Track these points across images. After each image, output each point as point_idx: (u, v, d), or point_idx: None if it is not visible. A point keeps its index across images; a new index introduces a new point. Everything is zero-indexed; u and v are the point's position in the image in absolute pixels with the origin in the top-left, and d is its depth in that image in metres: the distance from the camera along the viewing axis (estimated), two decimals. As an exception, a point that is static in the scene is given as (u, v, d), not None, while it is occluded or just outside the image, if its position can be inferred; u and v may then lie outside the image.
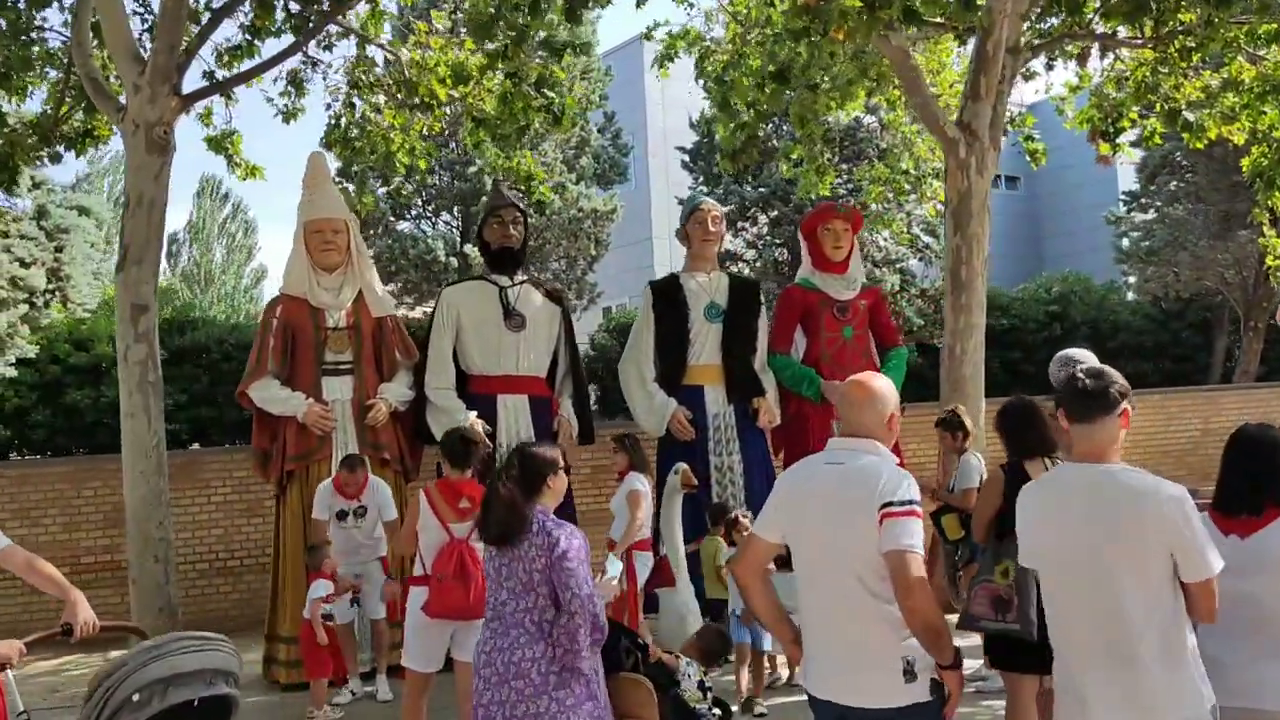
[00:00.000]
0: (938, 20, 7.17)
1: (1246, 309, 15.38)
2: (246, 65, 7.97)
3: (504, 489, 3.24)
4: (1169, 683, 2.63)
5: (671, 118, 21.16)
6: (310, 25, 7.59)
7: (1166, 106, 8.69)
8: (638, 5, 7.86)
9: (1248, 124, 9.31)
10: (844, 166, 16.73)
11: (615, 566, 3.42)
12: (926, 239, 17.69)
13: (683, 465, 6.48)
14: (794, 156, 10.26)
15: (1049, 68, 9.16)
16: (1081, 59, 8.71)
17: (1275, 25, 8.19)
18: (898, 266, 17.01)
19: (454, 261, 15.26)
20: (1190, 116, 8.70)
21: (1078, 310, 19.51)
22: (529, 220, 7.44)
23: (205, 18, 7.14)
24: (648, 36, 9.46)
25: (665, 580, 6.19)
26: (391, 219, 16.26)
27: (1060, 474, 2.95)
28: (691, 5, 9.28)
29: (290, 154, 60.46)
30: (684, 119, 18.85)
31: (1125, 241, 18.63)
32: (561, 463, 3.36)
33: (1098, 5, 8.03)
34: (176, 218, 47.04)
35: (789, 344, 7.50)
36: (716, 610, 6.07)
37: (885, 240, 17.02)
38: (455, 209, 16.33)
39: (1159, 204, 17.42)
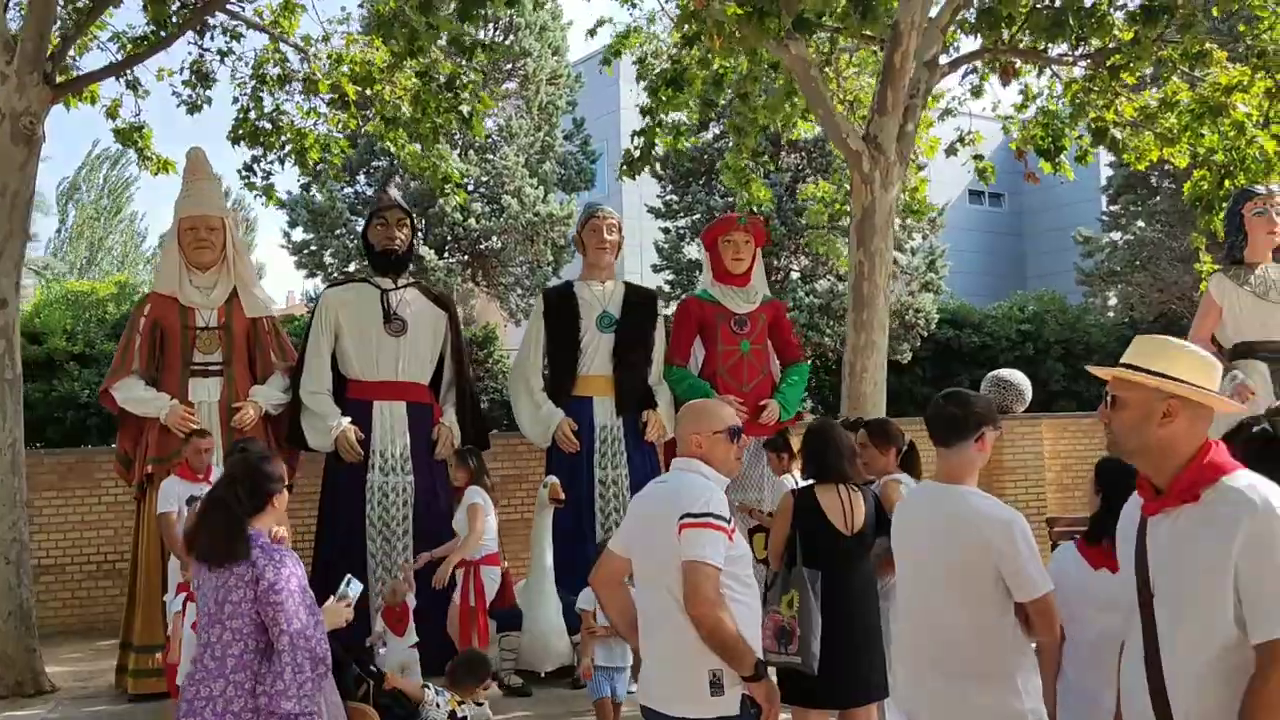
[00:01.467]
0: (835, 28, 6.98)
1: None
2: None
3: (225, 499, 3.06)
4: (984, 703, 2.74)
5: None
6: (194, 13, 7.43)
7: (1093, 126, 8.48)
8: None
9: (1187, 146, 9.09)
10: (817, 180, 16.57)
11: (352, 587, 3.24)
12: (894, 253, 17.50)
13: (552, 479, 6.31)
14: (730, 166, 10.07)
15: (1003, 83, 8.92)
16: (1004, 76, 8.50)
17: (1199, 45, 8.00)
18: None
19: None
20: (1118, 135, 8.49)
21: (1051, 330, 19.29)
22: (415, 223, 7.28)
23: (86, 5, 6.99)
24: (591, 33, 9.30)
25: (507, 599, 6.02)
26: (351, 217, 16.14)
27: (917, 493, 3.08)
28: (635, 5, 9.13)
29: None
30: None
31: (1089, 263, 18.40)
32: (286, 479, 3.18)
33: (1021, 21, 7.83)
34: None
35: (686, 356, 7.32)
36: None
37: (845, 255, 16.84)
38: (414, 211, 16.19)
39: (1124, 224, 17.19)
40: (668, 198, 17.67)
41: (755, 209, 10.85)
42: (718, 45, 5.81)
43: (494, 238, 16.03)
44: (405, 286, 6.92)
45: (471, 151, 16.02)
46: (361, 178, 16.42)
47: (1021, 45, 8.26)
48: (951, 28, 7.92)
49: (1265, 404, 6.91)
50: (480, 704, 5.48)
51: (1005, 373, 9.70)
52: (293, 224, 16.39)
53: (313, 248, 16.08)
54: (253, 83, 8.31)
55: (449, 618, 5.97)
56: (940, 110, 10.16)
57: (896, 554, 3.06)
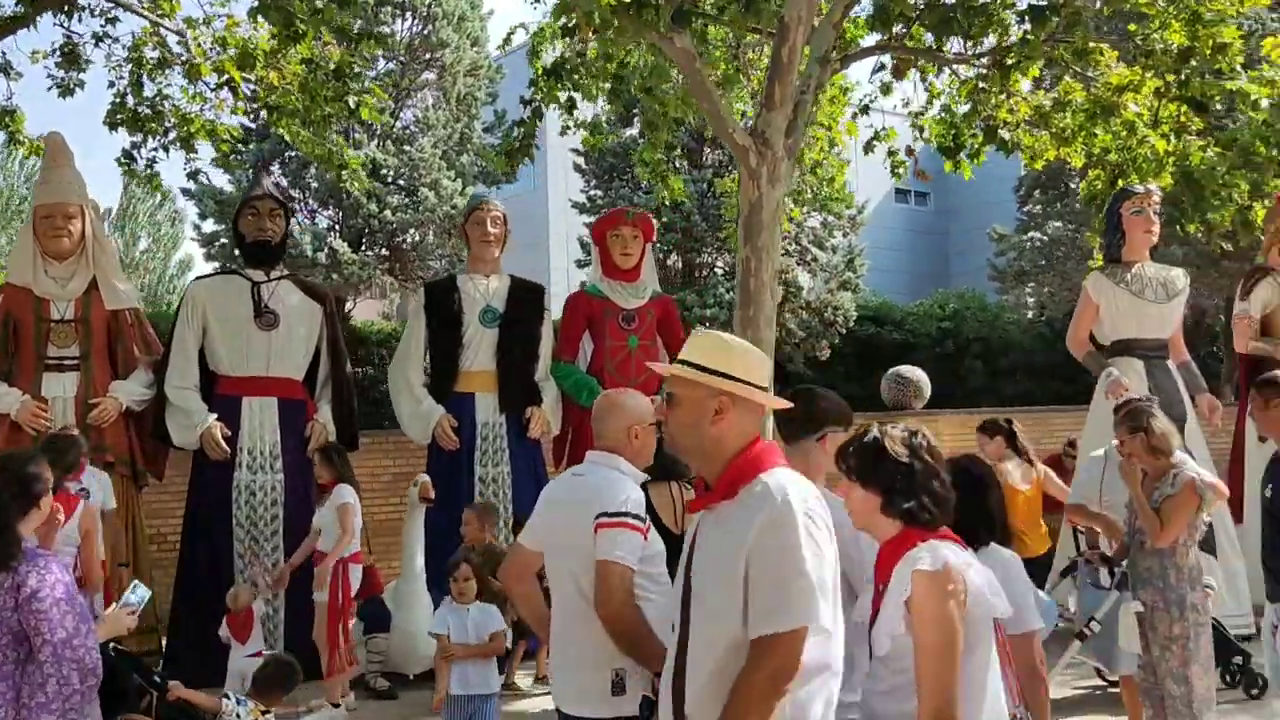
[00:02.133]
0: (713, 19, 6.90)
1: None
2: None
3: None
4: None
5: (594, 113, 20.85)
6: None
7: (985, 125, 8.53)
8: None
9: (1082, 146, 9.20)
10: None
11: (138, 594, 3.08)
12: (815, 250, 17.56)
13: (422, 477, 6.18)
14: (647, 161, 9.99)
15: (896, 79, 8.91)
16: (897, 72, 8.52)
17: (1086, 43, 8.08)
18: (783, 278, 16.81)
19: (320, 257, 14.80)
20: (1006, 135, 8.55)
21: (970, 327, 19.55)
22: (290, 213, 7.07)
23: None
24: (506, 41, 9.12)
25: (374, 588, 5.89)
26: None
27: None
28: (538, 2, 8.97)
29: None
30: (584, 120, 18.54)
31: (1001, 261, 18.67)
32: (52, 481, 3.01)
33: (912, 18, 7.84)
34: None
35: (574, 351, 7.22)
36: None
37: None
38: (330, 204, 15.90)
39: (1040, 224, 17.46)
40: (591, 192, 17.56)
41: (672, 204, 10.80)
42: (588, 34, 5.69)
43: (411, 230, 15.78)
44: (279, 279, 6.71)
45: (389, 142, 15.75)
46: (276, 168, 16.05)
47: (911, 43, 8.29)
48: (847, 24, 7.91)
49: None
50: (337, 705, 5.35)
51: (905, 369, 9.75)
52: (203, 215, 15.99)
53: (223, 240, 15.69)
54: (130, 66, 8.02)
55: (316, 619, 5.80)
56: (855, 108, 10.17)
57: None
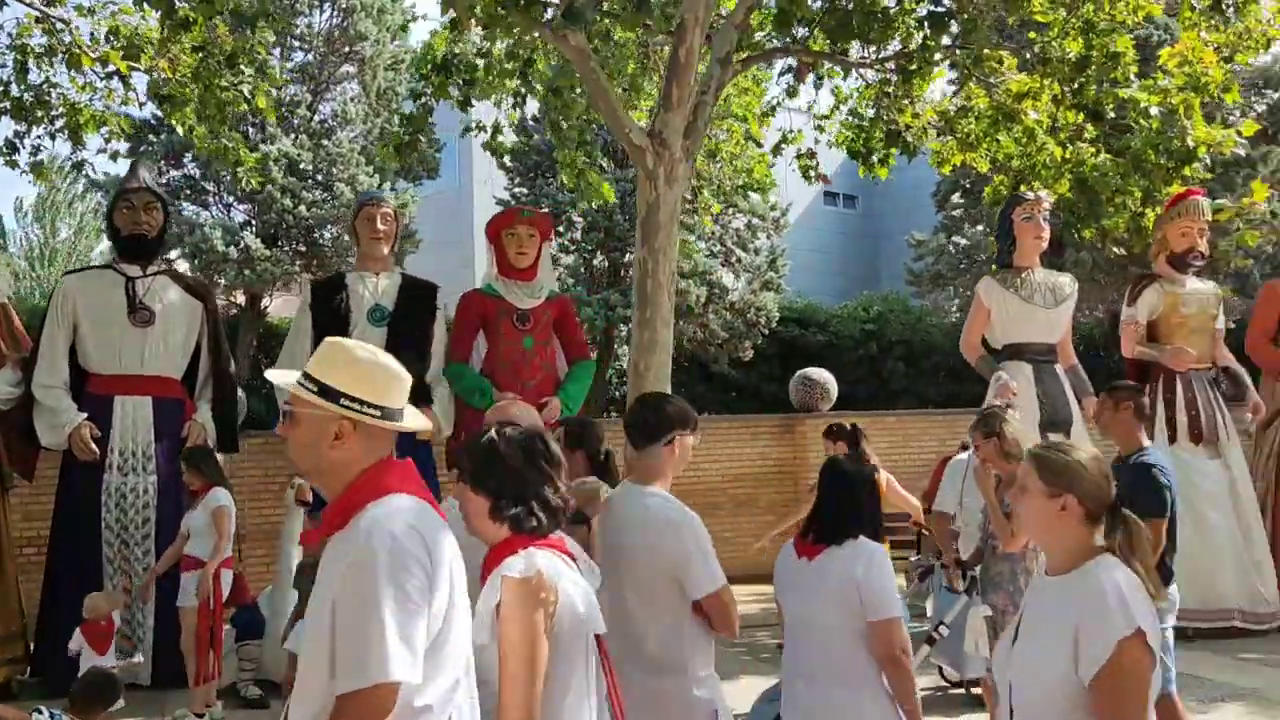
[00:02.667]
0: (613, 18, 6.86)
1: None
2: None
3: None
4: (665, 692, 2.84)
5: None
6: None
7: (888, 129, 8.60)
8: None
9: (986, 152, 9.32)
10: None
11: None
12: (739, 252, 17.63)
13: (299, 480, 6.00)
14: (564, 162, 9.90)
15: (798, 82, 8.94)
16: (799, 75, 8.56)
17: (981, 50, 8.19)
18: (706, 279, 16.86)
19: (232, 251, 14.47)
20: (910, 139, 8.63)
21: (894, 330, 19.80)
22: (169, 207, 6.85)
23: None
24: (404, 28, 9.01)
25: (242, 595, 5.72)
26: (176, 203, 15.37)
27: (615, 495, 3.06)
28: None
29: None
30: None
31: (919, 265, 18.92)
32: None
33: (813, 22, 7.86)
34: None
35: (467, 352, 7.08)
36: None
37: (695, 252, 16.87)
38: (245, 198, 15.54)
39: (962, 229, 17.72)
40: (515, 190, 17.41)
41: (596, 205, 10.71)
42: (468, 27, 5.59)
43: (328, 227, 15.50)
44: (155, 274, 6.49)
45: (306, 136, 15.45)
46: (187, 159, 15.65)
47: (816, 47, 8.32)
48: (754, 25, 7.91)
49: (1032, 404, 7.11)
50: (201, 715, 5.17)
51: (812, 371, 9.80)
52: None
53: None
54: (13, 54, 7.73)
55: (183, 627, 5.61)
56: (763, 109, 10.21)
57: (602, 552, 3.04)
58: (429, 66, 7.49)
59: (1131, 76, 8.21)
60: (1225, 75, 7.77)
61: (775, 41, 8.21)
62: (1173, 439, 7.29)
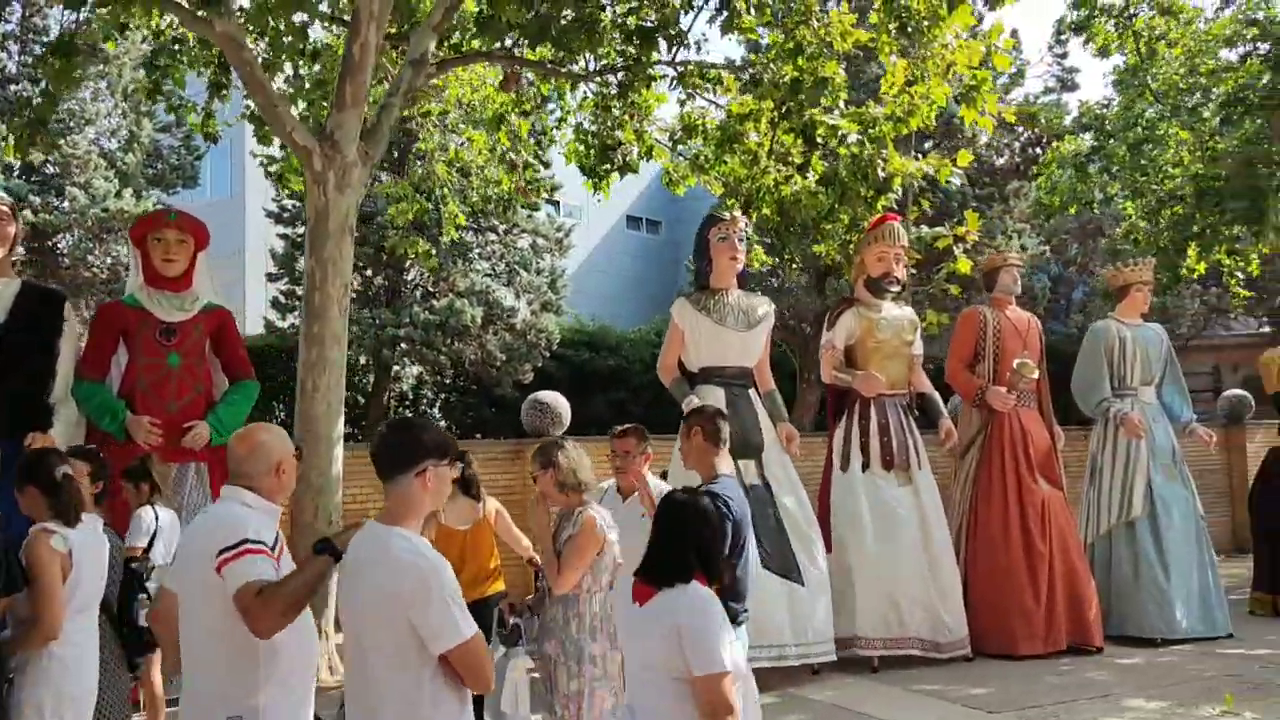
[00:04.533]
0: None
1: (802, 361, 15.85)
2: None
3: None
4: None
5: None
6: None
7: (601, 144, 8.34)
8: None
9: (716, 174, 9.18)
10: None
11: None
12: (522, 272, 17.22)
13: None
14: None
15: (504, 90, 8.57)
16: (505, 84, 8.20)
17: (699, 68, 8.05)
18: (485, 298, 16.34)
19: None
20: (624, 158, 8.40)
21: (685, 354, 19.76)
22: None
23: None
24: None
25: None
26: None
27: (358, 537, 2.71)
28: None
29: None
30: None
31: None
32: None
33: (518, 28, 7.49)
34: None
35: (103, 369, 6.30)
36: None
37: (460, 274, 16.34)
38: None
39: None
40: (284, 200, 16.47)
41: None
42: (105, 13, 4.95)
43: (61, 234, 14.19)
44: None
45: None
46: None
47: (534, 56, 7.99)
48: (444, 27, 7.48)
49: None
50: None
51: (544, 395, 9.39)
52: None
53: None
54: None
55: None
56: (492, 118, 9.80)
57: (341, 605, 2.74)
58: (49, 50, 6.72)
59: (842, 103, 8.22)
60: (945, 103, 7.79)
61: (481, 46, 7.81)
62: (866, 465, 7.23)
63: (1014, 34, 16.01)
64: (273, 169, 8.87)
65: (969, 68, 7.62)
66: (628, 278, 25.20)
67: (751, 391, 7.08)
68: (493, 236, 17.03)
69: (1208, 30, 12.44)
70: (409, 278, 17.08)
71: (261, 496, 2.86)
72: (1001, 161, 16.16)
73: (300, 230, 16.48)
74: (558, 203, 20.99)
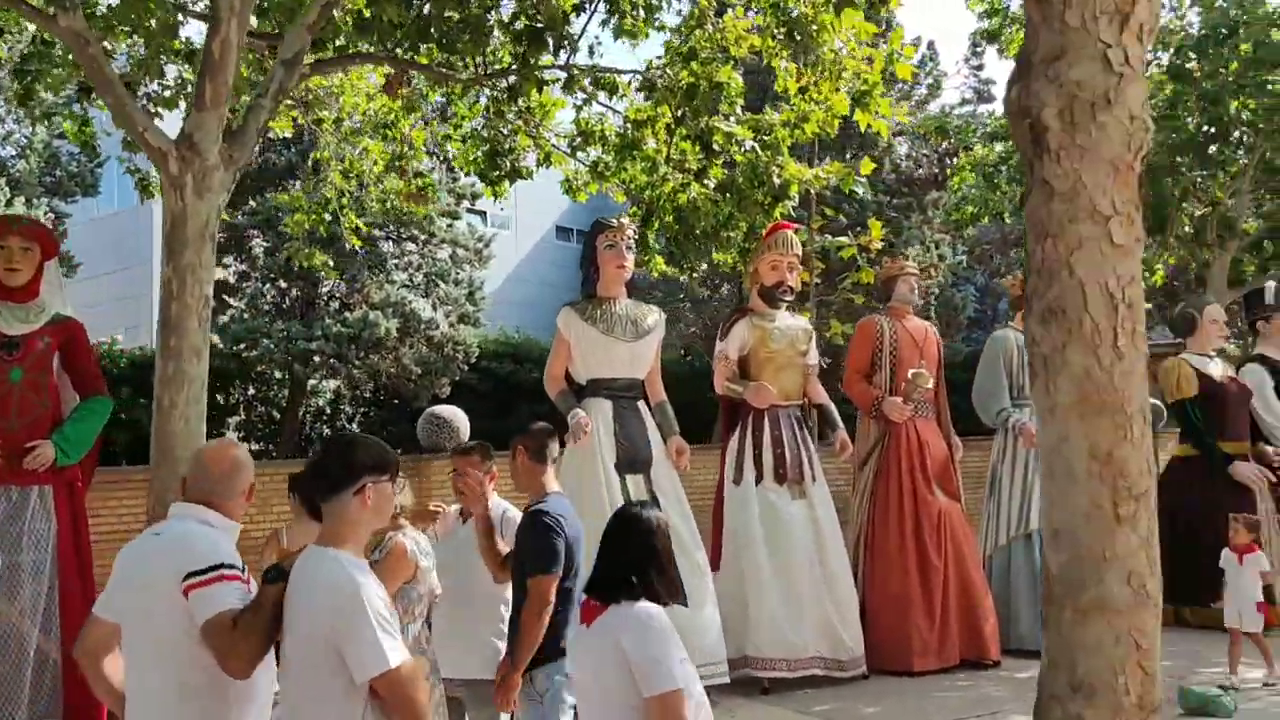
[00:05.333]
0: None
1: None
2: None
3: None
4: None
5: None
6: None
7: (488, 149, 8.10)
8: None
9: (618, 181, 8.97)
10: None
11: None
12: (441, 284, 16.87)
13: None
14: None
15: (388, 94, 8.27)
16: (389, 87, 7.92)
17: (592, 72, 7.84)
18: (401, 310, 15.96)
19: None
20: (524, 164, 8.17)
21: (612, 366, 19.54)
22: None
23: None
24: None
25: None
26: None
27: (299, 561, 2.57)
28: None
29: None
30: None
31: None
32: None
33: (396, 30, 7.21)
34: None
35: (-62, 387, 5.89)
36: None
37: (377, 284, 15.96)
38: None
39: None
40: (192, 211, 15.94)
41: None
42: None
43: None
44: None
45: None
46: None
47: (423, 60, 7.71)
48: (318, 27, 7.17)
49: (610, 444, 6.64)
50: None
51: (441, 409, 9.11)
52: None
53: None
54: None
55: None
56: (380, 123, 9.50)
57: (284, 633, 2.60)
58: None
59: (739, 109, 8.07)
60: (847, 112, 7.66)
61: (362, 47, 7.51)
62: (759, 479, 7.04)
63: (930, 46, 16.12)
64: (136, 175, 8.48)
65: (856, 74, 7.51)
66: (557, 288, 24.96)
67: (641, 404, 6.86)
68: (411, 247, 16.68)
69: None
70: (324, 290, 16.64)
71: (224, 516, 2.75)
72: (920, 172, 16.22)
73: (222, 237, 15.99)
74: (483, 213, 20.71)
